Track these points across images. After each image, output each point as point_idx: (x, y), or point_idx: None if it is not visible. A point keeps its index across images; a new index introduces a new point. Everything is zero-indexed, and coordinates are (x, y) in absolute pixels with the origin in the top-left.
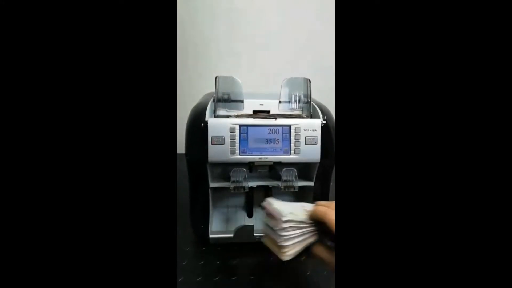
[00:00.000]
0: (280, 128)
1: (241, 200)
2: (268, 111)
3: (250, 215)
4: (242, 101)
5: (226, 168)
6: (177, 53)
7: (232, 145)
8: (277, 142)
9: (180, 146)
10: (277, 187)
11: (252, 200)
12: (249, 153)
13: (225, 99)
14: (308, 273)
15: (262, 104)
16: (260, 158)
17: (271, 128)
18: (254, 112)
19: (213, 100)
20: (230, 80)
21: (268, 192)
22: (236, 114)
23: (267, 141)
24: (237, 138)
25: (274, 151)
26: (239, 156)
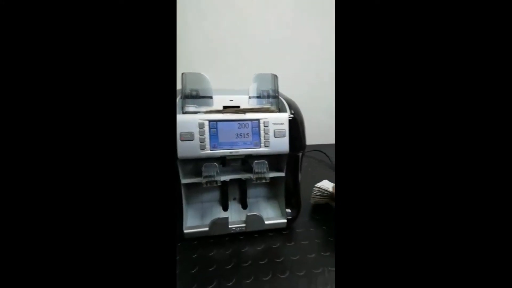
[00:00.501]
0: (249, 123)
1: (216, 195)
2: (238, 106)
3: (225, 208)
4: (211, 97)
5: (198, 164)
6: None
7: (201, 140)
8: (247, 136)
9: None
10: (250, 179)
11: (227, 194)
12: (220, 147)
13: (193, 96)
14: (282, 259)
15: (232, 100)
16: (231, 152)
17: (241, 122)
18: (224, 107)
19: (181, 97)
20: (198, 77)
21: (242, 184)
22: (205, 110)
23: (238, 135)
24: (207, 133)
25: (244, 145)
26: (210, 151)
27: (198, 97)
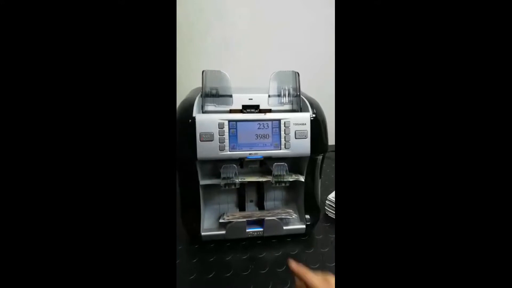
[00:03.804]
0: (269, 123)
1: (233, 197)
2: (258, 106)
3: (242, 211)
4: (230, 96)
5: (216, 165)
6: None
7: (221, 141)
8: (267, 137)
9: None
10: (269, 182)
11: (244, 196)
12: (239, 149)
13: (213, 94)
14: None
15: (251, 99)
16: (250, 154)
17: (261, 123)
18: (243, 107)
19: (201, 96)
20: (218, 74)
21: (260, 187)
22: (224, 110)
23: (257, 136)
24: (226, 134)
25: (264, 146)
26: (229, 152)
27: (218, 95)
